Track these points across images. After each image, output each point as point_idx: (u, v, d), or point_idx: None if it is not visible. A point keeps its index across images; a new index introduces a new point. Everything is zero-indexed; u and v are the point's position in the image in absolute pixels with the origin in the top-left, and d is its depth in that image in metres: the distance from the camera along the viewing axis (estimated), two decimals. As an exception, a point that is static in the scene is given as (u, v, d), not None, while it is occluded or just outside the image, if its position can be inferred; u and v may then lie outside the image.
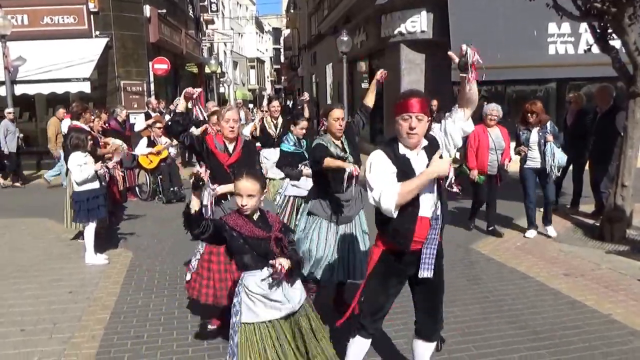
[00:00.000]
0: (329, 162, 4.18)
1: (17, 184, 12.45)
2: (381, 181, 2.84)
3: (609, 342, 3.98)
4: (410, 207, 2.86)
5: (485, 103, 9.45)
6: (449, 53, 2.96)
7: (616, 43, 6.67)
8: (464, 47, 2.80)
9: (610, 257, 5.95)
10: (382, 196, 2.80)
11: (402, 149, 2.93)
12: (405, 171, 2.86)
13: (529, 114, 6.61)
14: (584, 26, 11.06)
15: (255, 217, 2.96)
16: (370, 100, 4.73)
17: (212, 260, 4.05)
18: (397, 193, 2.78)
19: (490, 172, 6.78)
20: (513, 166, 6.99)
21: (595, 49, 7.20)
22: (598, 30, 6.71)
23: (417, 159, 2.92)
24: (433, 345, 3.20)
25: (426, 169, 2.84)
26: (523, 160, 6.76)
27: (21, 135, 12.47)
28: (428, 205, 2.91)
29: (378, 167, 2.89)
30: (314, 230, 4.37)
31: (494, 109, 6.78)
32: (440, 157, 2.88)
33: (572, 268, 5.64)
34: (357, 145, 4.54)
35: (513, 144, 6.89)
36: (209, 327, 4.28)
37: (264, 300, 2.87)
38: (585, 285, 5.17)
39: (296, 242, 2.99)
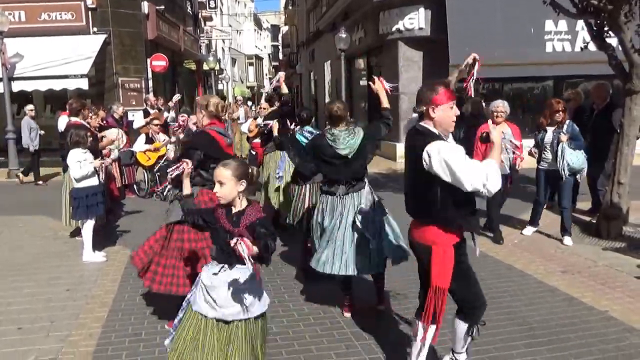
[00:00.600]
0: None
1: (40, 182, 12.13)
2: (474, 164, 2.84)
3: (605, 339, 3.98)
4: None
5: (483, 101, 9.46)
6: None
7: (613, 41, 6.67)
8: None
9: (606, 254, 5.95)
10: (489, 178, 2.77)
11: (444, 138, 3.00)
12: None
13: (556, 113, 6.22)
14: (580, 24, 11.06)
15: (235, 209, 2.84)
16: (384, 102, 4.50)
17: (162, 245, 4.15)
18: (493, 172, 2.79)
19: (502, 172, 6.39)
20: (526, 164, 6.77)
21: (592, 47, 7.20)
22: (594, 28, 6.70)
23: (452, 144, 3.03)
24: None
25: (492, 142, 2.93)
26: (538, 161, 6.58)
27: (42, 132, 12.13)
28: None
29: (457, 153, 2.85)
30: (334, 229, 4.30)
31: (499, 105, 6.46)
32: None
33: (569, 265, 5.64)
34: (371, 144, 4.43)
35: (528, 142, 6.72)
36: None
37: (205, 294, 2.83)
38: (582, 282, 5.17)
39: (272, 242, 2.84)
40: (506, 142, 6.08)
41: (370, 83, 4.47)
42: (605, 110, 7.37)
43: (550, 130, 6.33)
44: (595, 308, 4.55)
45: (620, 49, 6.49)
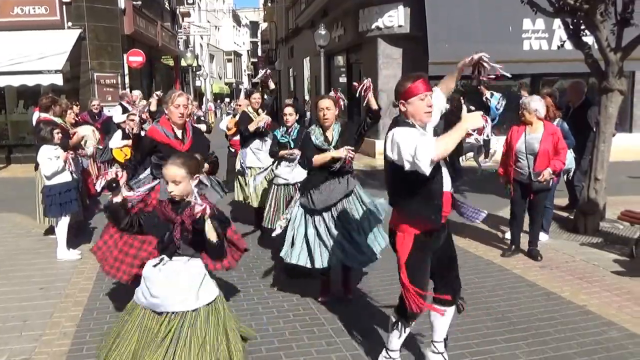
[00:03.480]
0: (317, 160, 4.35)
1: None
2: (413, 139, 2.85)
3: (583, 333, 4.02)
4: (435, 183, 2.98)
5: (462, 97, 9.51)
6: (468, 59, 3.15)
7: (589, 39, 6.76)
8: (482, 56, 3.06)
9: (584, 249, 6.03)
10: (417, 150, 2.77)
11: (418, 128, 3.03)
12: None
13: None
14: (557, 22, 11.17)
15: (184, 201, 2.78)
16: (373, 104, 4.45)
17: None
18: (434, 146, 2.79)
19: (521, 180, 5.70)
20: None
21: (569, 45, 7.29)
22: (571, 27, 6.78)
23: (430, 135, 3.05)
24: (452, 309, 3.38)
25: (461, 122, 2.86)
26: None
27: None
28: (448, 180, 3.08)
29: (406, 132, 2.92)
30: (307, 222, 4.42)
31: (528, 103, 5.65)
32: (469, 112, 2.97)
33: (548, 260, 5.69)
34: (351, 141, 4.47)
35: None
36: None
37: (144, 286, 2.79)
38: (560, 277, 5.23)
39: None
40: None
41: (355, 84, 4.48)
42: (580, 108, 7.46)
43: None
44: (574, 302, 4.60)
45: (596, 47, 6.58)
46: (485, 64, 3.09)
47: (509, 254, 5.86)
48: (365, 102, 4.39)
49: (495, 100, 9.51)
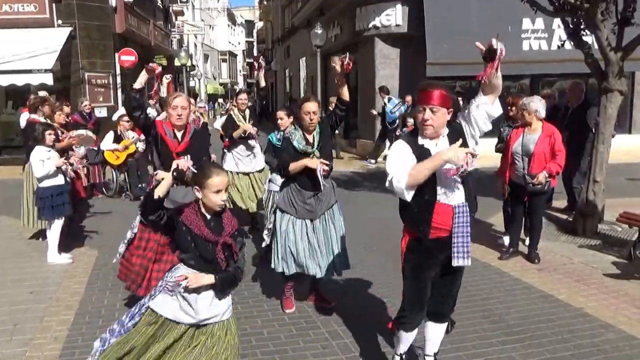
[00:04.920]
0: (293, 167, 4.26)
1: None
2: (398, 166, 2.97)
3: (580, 335, 4.09)
4: (426, 195, 3.00)
5: (460, 99, 9.59)
6: (477, 43, 3.06)
7: (589, 39, 6.84)
8: (494, 42, 2.94)
9: (582, 252, 6.11)
10: (394, 178, 2.94)
11: (421, 140, 3.06)
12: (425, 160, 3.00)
13: (509, 107, 6.28)
14: (557, 22, 11.27)
15: (209, 216, 2.83)
16: (344, 94, 4.52)
17: (146, 247, 4.13)
18: (407, 173, 2.91)
19: (516, 181, 5.78)
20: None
21: (569, 45, 7.37)
22: (571, 26, 6.86)
23: (437, 149, 3.03)
24: (444, 326, 3.40)
25: (439, 152, 2.93)
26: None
27: None
28: (450, 193, 3.03)
29: (397, 154, 3.04)
30: (288, 227, 4.39)
31: (529, 104, 5.66)
32: (462, 145, 2.95)
33: (545, 262, 5.76)
34: (330, 139, 4.56)
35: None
36: None
37: (180, 300, 2.79)
38: (558, 279, 5.30)
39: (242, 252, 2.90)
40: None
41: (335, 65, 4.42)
42: (580, 108, 7.54)
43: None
44: (571, 305, 4.67)
45: (596, 47, 6.65)
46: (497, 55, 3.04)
47: (507, 256, 5.93)
48: (338, 84, 4.40)
49: (392, 105, 9.63)
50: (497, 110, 3.08)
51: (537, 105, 5.64)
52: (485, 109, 3.04)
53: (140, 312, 2.86)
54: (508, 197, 6.00)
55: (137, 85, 4.33)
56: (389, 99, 9.24)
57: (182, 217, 2.78)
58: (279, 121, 5.56)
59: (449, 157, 2.86)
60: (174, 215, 2.78)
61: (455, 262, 3.06)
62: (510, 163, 5.80)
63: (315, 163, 4.19)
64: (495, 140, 6.58)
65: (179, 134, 4.31)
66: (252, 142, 6.92)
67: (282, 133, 5.57)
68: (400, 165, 2.98)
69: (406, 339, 3.36)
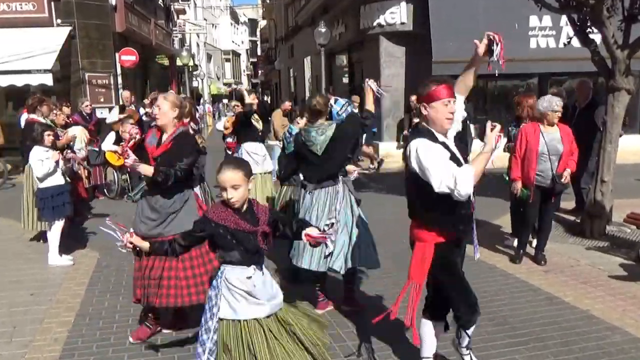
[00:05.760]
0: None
1: None
2: (448, 167, 2.93)
3: (586, 337, 4.11)
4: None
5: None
6: (475, 41, 3.17)
7: (596, 37, 6.84)
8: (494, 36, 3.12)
9: (589, 254, 6.13)
10: (458, 181, 2.87)
11: (438, 136, 3.09)
12: (453, 155, 3.04)
13: (517, 106, 6.31)
14: (565, 19, 11.28)
15: (243, 208, 2.90)
16: (370, 107, 4.73)
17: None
18: (473, 175, 2.90)
19: (540, 184, 5.66)
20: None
21: (577, 43, 7.37)
22: (577, 23, 6.87)
23: (450, 142, 3.11)
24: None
25: (486, 147, 3.00)
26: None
27: None
28: None
29: (433, 152, 2.98)
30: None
31: (559, 103, 5.63)
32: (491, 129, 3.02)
33: (552, 264, 5.79)
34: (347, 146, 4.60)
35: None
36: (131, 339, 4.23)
37: (247, 297, 2.85)
38: (565, 281, 5.32)
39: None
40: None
41: (366, 83, 4.69)
42: (587, 108, 7.55)
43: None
44: (577, 307, 4.69)
45: (603, 45, 6.66)
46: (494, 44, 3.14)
47: (519, 261, 5.88)
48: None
49: (339, 106, 9.59)
50: (462, 112, 3.25)
51: (560, 103, 5.66)
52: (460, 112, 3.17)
53: (211, 327, 2.87)
54: (527, 199, 5.75)
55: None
56: (335, 100, 9.24)
57: (215, 219, 2.84)
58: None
59: (491, 146, 2.97)
60: (205, 223, 2.87)
61: (476, 256, 3.28)
62: (531, 165, 5.63)
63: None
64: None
65: (164, 138, 4.03)
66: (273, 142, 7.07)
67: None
68: (449, 165, 2.94)
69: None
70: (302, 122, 5.41)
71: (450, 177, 2.88)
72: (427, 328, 3.45)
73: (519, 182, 5.73)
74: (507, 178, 5.99)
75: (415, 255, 3.22)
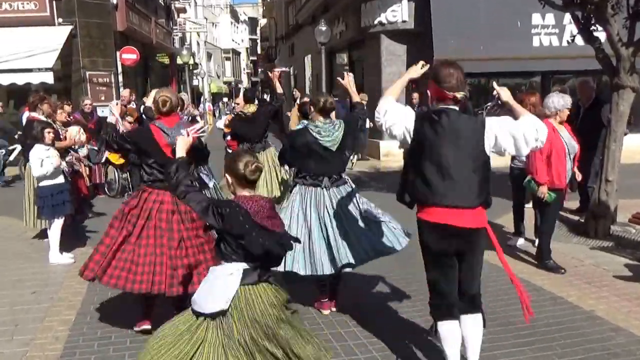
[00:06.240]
0: None
1: None
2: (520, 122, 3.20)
3: (591, 338, 4.08)
4: None
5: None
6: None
7: (601, 35, 6.81)
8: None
9: (594, 253, 6.10)
10: (539, 130, 3.16)
11: None
12: None
13: (520, 104, 6.29)
14: (568, 17, 11.26)
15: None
16: (355, 97, 4.78)
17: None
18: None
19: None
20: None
21: (580, 41, 7.34)
22: (581, 21, 6.84)
23: None
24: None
25: (509, 100, 3.35)
26: (512, 157, 6.30)
27: None
28: None
29: (508, 120, 3.28)
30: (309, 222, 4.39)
31: (569, 101, 5.58)
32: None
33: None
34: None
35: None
36: (135, 329, 4.23)
37: None
38: (568, 281, 5.30)
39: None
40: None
41: (339, 79, 4.77)
42: (591, 107, 7.51)
43: None
44: (581, 307, 4.66)
45: (607, 42, 6.63)
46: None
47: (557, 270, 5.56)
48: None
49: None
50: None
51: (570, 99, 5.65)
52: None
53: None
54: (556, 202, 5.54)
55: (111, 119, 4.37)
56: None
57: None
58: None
59: (509, 97, 3.29)
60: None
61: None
62: (562, 165, 5.42)
63: None
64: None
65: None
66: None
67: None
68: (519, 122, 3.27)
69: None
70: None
71: (532, 130, 3.14)
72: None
73: (545, 186, 5.39)
74: (532, 184, 5.48)
75: (496, 242, 3.35)
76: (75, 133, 7.28)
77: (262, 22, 52.73)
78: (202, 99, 35.71)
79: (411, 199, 3.33)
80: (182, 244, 4.05)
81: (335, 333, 4.25)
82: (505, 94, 3.36)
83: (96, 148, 9.63)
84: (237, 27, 64.89)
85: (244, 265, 2.76)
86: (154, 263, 4.00)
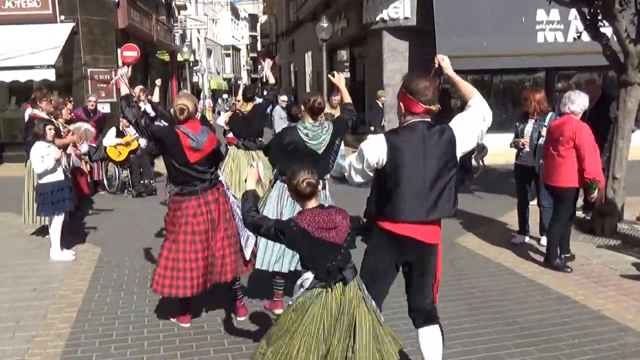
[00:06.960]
0: None
1: None
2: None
3: (598, 338, 4.04)
4: None
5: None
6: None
7: (607, 30, 6.75)
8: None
9: (600, 252, 6.05)
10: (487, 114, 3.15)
11: None
12: None
13: (525, 101, 6.09)
14: (573, 13, 11.20)
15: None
16: (346, 97, 4.79)
17: (172, 248, 4.16)
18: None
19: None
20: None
21: (586, 37, 7.29)
22: (588, 17, 6.78)
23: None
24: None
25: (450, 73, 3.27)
26: (516, 156, 6.31)
27: None
28: None
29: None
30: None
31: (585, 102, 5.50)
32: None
33: (561, 263, 5.71)
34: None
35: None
36: (182, 325, 4.34)
37: None
38: (575, 280, 5.25)
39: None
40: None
41: (330, 76, 4.77)
42: (598, 105, 7.44)
43: (531, 121, 6.06)
44: (588, 307, 4.61)
45: (614, 39, 6.57)
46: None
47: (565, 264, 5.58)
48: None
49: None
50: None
51: None
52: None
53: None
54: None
55: (124, 91, 4.33)
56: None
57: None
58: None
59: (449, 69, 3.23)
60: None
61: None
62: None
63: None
64: (503, 136, 6.52)
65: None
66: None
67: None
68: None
69: None
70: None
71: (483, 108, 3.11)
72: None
73: (595, 181, 5.29)
74: (593, 184, 5.31)
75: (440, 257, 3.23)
76: (80, 131, 7.28)
77: (263, 18, 52.67)
78: (201, 96, 35.66)
79: (377, 211, 3.14)
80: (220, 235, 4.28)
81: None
82: (446, 64, 3.16)
83: (94, 145, 9.59)
84: (237, 24, 64.78)
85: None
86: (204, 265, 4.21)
